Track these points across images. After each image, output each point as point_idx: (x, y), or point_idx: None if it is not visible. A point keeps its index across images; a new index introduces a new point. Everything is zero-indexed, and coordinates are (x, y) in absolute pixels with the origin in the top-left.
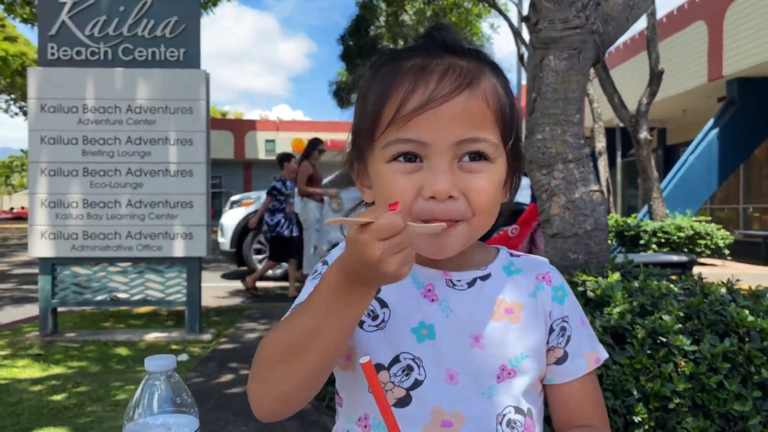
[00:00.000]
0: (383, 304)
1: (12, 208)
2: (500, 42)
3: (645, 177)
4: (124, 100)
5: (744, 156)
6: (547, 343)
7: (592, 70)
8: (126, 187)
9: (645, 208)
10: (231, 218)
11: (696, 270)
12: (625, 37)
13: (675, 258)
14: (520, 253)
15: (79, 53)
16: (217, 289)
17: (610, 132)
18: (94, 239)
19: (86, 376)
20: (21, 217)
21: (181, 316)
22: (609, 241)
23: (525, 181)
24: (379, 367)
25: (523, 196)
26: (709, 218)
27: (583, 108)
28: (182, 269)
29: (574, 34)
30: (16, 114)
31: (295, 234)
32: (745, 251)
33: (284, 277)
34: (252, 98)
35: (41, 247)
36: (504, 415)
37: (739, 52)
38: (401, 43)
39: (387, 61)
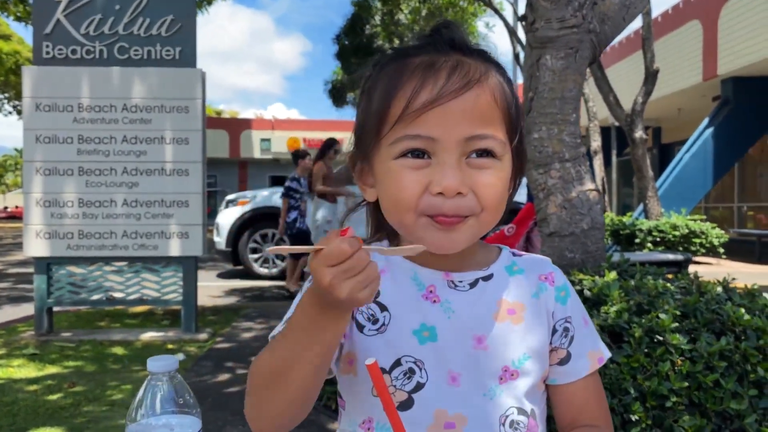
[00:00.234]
0: (383, 308)
1: (6, 207)
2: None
3: (640, 176)
4: (120, 99)
5: (738, 155)
6: (550, 343)
7: (587, 70)
8: (122, 186)
9: (640, 207)
10: (227, 217)
11: (691, 269)
12: (620, 36)
13: (671, 257)
14: (522, 253)
15: (74, 52)
16: (213, 289)
17: (605, 131)
18: (89, 239)
19: (82, 375)
20: (15, 216)
21: (176, 316)
22: (605, 240)
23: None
24: None
25: (520, 195)
26: (704, 217)
27: (579, 107)
28: (178, 268)
29: (571, 33)
30: (10, 113)
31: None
32: (739, 250)
33: (281, 276)
34: (247, 97)
35: (36, 246)
36: (507, 416)
37: (733, 51)
38: (396, 42)
39: (393, 58)
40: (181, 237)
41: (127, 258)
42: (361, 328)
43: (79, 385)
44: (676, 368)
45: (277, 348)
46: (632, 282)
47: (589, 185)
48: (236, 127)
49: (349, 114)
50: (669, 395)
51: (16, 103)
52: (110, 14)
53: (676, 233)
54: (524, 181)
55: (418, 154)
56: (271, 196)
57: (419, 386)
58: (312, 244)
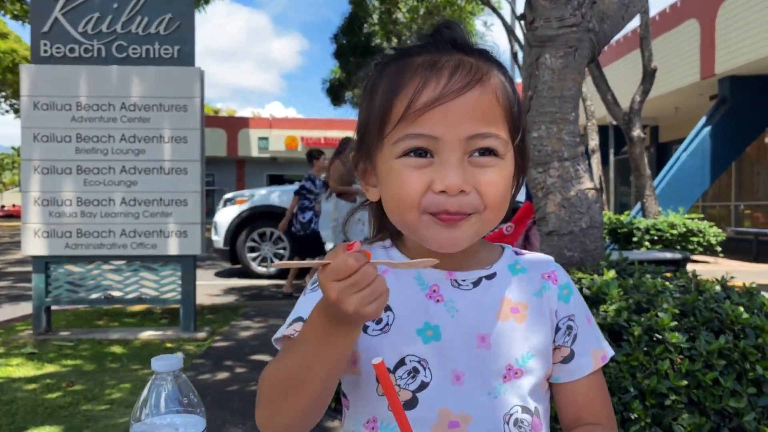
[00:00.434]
0: (387, 308)
1: (3, 206)
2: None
3: (638, 174)
4: (118, 98)
5: (736, 154)
6: (554, 341)
7: (586, 69)
8: (120, 185)
9: (638, 206)
10: (225, 216)
11: (688, 267)
12: (618, 35)
13: (669, 255)
14: (525, 252)
15: (72, 50)
16: (211, 287)
17: (603, 130)
18: (88, 237)
19: (81, 374)
20: (12, 215)
21: (175, 315)
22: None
23: None
24: None
25: (519, 193)
26: (701, 216)
27: (578, 106)
28: (177, 267)
29: (570, 32)
30: (7, 111)
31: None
32: (736, 248)
33: (279, 275)
34: (244, 95)
35: (35, 245)
36: (511, 415)
37: (731, 50)
38: (395, 40)
39: (395, 58)
40: (179, 236)
41: (126, 257)
42: (365, 328)
43: (78, 384)
44: (675, 366)
45: (288, 360)
46: (631, 281)
47: (588, 184)
48: (234, 125)
49: (347, 113)
50: (668, 393)
51: (13, 101)
52: (108, 12)
53: (674, 232)
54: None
55: (420, 153)
56: (269, 195)
57: (423, 385)
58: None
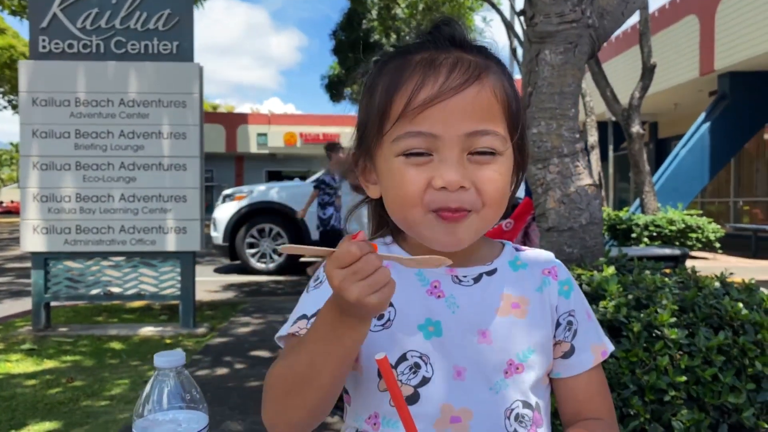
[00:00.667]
0: (388, 304)
1: (2, 202)
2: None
3: (637, 171)
4: (117, 94)
5: (735, 150)
6: (554, 337)
7: (585, 65)
8: (119, 181)
9: (637, 202)
10: (224, 212)
11: (687, 263)
12: (617, 31)
13: (668, 251)
14: (525, 248)
15: (71, 46)
16: (210, 283)
17: (602, 126)
18: (87, 233)
19: (80, 370)
20: (11, 211)
21: (174, 311)
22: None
23: None
24: None
25: (518, 190)
26: (700, 212)
27: (578, 102)
28: (176, 263)
29: (570, 28)
30: (5, 107)
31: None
32: (735, 244)
33: (278, 271)
34: (243, 91)
35: (33, 241)
36: (512, 410)
37: (730, 46)
38: (393, 36)
39: (394, 56)
40: (178, 232)
41: (125, 253)
42: None
43: (78, 380)
44: (674, 362)
45: (295, 358)
46: (630, 277)
47: (588, 180)
48: (232, 121)
49: (346, 109)
50: (667, 389)
51: (11, 97)
52: (107, 8)
53: (673, 228)
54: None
55: (420, 153)
56: (268, 191)
57: (425, 381)
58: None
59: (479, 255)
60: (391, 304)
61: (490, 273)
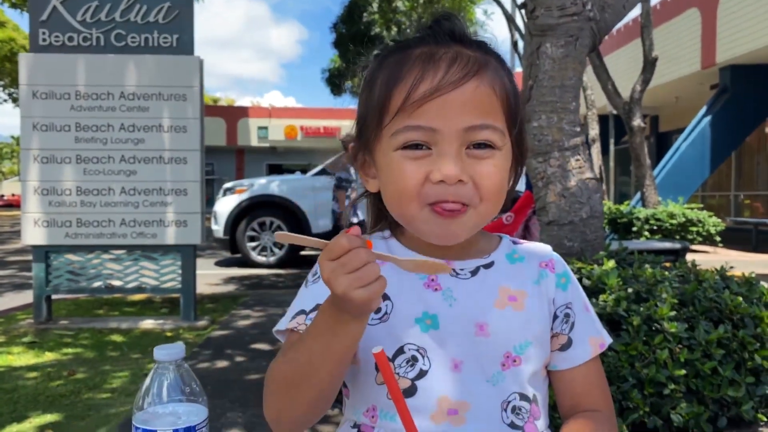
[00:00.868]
0: (385, 297)
1: (2, 196)
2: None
3: (638, 164)
4: (117, 87)
5: (736, 143)
6: (551, 329)
7: (586, 58)
8: (120, 174)
9: (637, 196)
10: (224, 205)
11: (688, 257)
12: (619, 24)
13: (668, 245)
14: (523, 241)
15: (71, 39)
16: (211, 277)
17: (603, 119)
18: (87, 227)
19: (81, 363)
20: (12, 205)
21: (175, 304)
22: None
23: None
24: None
25: (518, 183)
26: (701, 205)
27: (579, 96)
28: (177, 257)
29: (571, 21)
30: (5, 100)
31: (362, 218)
32: (736, 238)
33: (279, 265)
34: (243, 85)
35: (34, 234)
36: (509, 402)
37: (732, 39)
38: (395, 29)
39: (394, 50)
40: (179, 225)
41: (126, 246)
42: None
43: (79, 372)
44: (674, 356)
45: (294, 354)
46: (630, 270)
47: (589, 174)
48: (233, 115)
49: (346, 102)
50: (667, 383)
51: (12, 90)
52: (107, 1)
53: (673, 222)
54: (522, 169)
55: (419, 146)
56: (268, 184)
57: (422, 374)
58: None
59: (477, 248)
60: (388, 297)
61: (488, 266)
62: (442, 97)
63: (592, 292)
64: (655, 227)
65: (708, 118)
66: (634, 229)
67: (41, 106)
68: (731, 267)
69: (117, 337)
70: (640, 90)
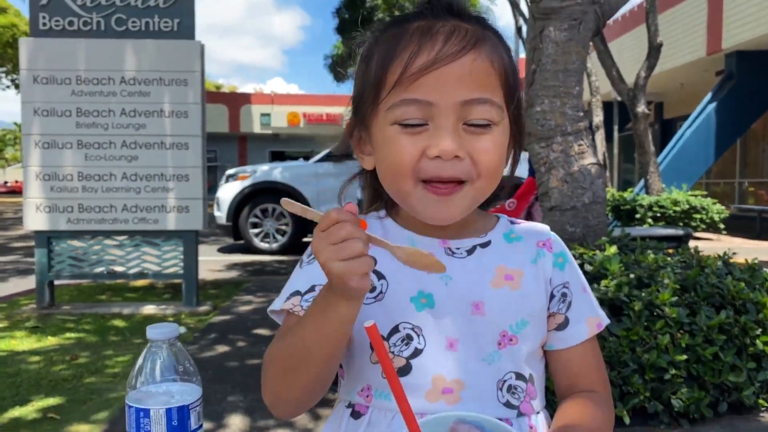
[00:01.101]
0: (380, 276)
1: (6, 182)
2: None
3: (642, 151)
4: (118, 72)
5: (741, 130)
6: (548, 309)
7: (590, 43)
8: (121, 159)
9: (641, 183)
10: (227, 192)
11: (691, 244)
12: (623, 10)
13: (671, 231)
14: (521, 221)
15: (71, 23)
16: (214, 263)
17: (607, 106)
18: (89, 212)
19: (83, 348)
20: (15, 191)
21: (178, 290)
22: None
23: (522, 154)
24: None
25: (521, 169)
26: (705, 193)
27: (582, 80)
28: (179, 242)
29: (575, 4)
30: (8, 87)
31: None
32: (740, 225)
33: (281, 251)
34: (245, 71)
35: (36, 220)
36: (504, 381)
37: (738, 24)
38: (397, 14)
39: (391, 24)
40: (181, 211)
41: (128, 232)
42: None
43: (81, 357)
44: (675, 341)
45: (290, 339)
46: (632, 256)
47: (591, 159)
48: (236, 101)
49: (349, 89)
50: (668, 368)
51: (14, 76)
52: None
53: (677, 209)
54: (525, 155)
55: (415, 124)
56: (271, 171)
57: (417, 352)
58: None
59: (473, 227)
60: (383, 276)
61: (484, 245)
62: (439, 69)
63: (594, 278)
64: (658, 214)
65: (713, 105)
66: (638, 216)
67: (42, 91)
68: (734, 253)
69: (119, 322)
70: (645, 76)
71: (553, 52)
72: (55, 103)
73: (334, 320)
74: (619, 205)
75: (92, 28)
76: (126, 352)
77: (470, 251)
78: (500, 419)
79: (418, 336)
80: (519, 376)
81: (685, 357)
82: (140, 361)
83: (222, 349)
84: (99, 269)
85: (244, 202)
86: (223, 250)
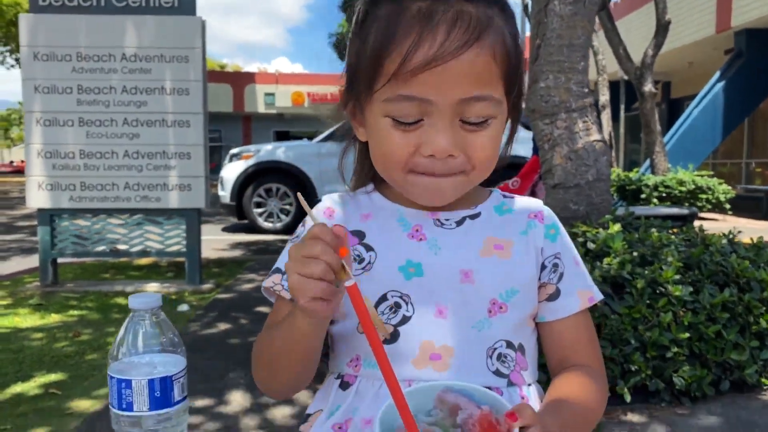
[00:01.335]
0: (369, 248)
1: (12, 162)
2: None
3: (648, 131)
4: (118, 48)
5: (749, 110)
6: (539, 279)
7: (597, 21)
8: (122, 137)
9: (647, 163)
10: (231, 171)
11: (696, 224)
12: None
13: (676, 211)
14: (515, 195)
15: None
16: (218, 242)
17: (614, 85)
18: (91, 190)
19: (86, 325)
20: (21, 171)
21: (181, 268)
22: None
23: (526, 134)
24: None
25: (525, 149)
26: (711, 173)
27: (587, 56)
28: (181, 221)
29: None
30: (12, 66)
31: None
32: (746, 206)
33: (285, 231)
34: (249, 51)
35: (39, 198)
36: (495, 349)
37: (748, 2)
38: None
39: None
40: (183, 189)
41: (130, 210)
42: None
43: (84, 334)
44: (678, 319)
45: (273, 333)
46: (636, 234)
47: (596, 136)
48: (240, 81)
49: None
50: (670, 346)
51: (18, 55)
52: None
53: (683, 189)
54: (529, 134)
55: (410, 122)
56: (275, 151)
57: (405, 319)
58: None
59: (464, 200)
60: (372, 249)
61: (473, 216)
62: (440, 67)
63: (597, 256)
64: (664, 194)
65: (721, 84)
66: (643, 196)
67: (42, 68)
68: (739, 232)
69: (122, 300)
70: (652, 55)
71: (558, 27)
72: (56, 80)
73: (296, 332)
74: (625, 185)
75: (92, 4)
76: None
77: (459, 222)
78: (489, 388)
79: (407, 304)
80: (509, 345)
81: (687, 335)
82: (122, 331)
83: (224, 326)
84: (102, 247)
85: (247, 181)
86: (227, 229)
